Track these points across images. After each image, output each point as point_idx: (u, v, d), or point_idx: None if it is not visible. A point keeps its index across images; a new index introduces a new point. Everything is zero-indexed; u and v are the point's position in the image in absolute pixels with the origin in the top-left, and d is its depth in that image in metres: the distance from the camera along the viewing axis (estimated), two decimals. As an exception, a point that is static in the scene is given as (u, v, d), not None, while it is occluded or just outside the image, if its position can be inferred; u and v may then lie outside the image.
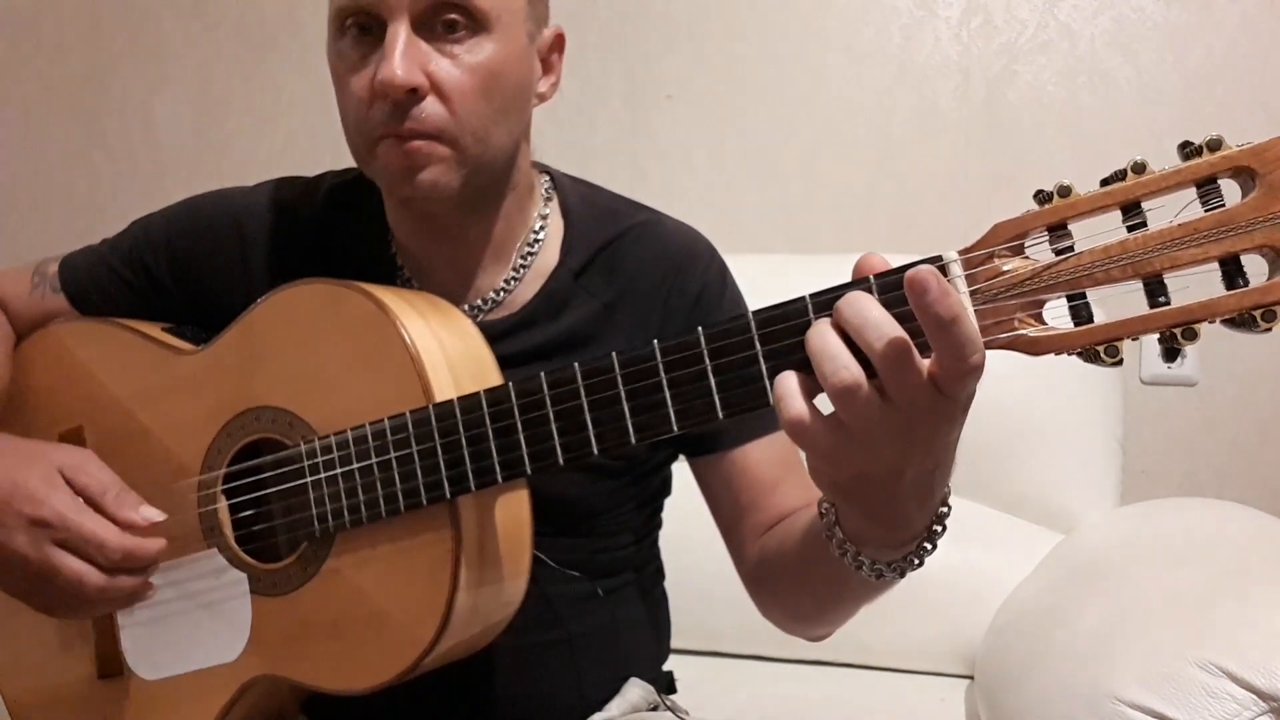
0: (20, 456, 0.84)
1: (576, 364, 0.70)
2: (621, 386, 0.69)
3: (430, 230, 0.91)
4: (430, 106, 0.81)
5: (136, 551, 0.83)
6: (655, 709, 1.02)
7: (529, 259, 0.93)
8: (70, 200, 2.17)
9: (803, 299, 0.62)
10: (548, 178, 0.98)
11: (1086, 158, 1.69)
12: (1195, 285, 0.55)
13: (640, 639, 1.04)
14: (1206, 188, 0.55)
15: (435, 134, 0.81)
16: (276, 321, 0.85)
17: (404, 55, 0.79)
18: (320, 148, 2.04)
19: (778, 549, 0.86)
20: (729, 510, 0.94)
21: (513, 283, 0.92)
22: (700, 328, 0.66)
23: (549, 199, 0.96)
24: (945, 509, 0.68)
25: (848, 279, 0.62)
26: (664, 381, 0.67)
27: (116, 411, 0.91)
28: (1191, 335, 0.55)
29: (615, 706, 0.98)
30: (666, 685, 1.07)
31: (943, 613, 1.37)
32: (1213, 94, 1.65)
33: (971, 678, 1.35)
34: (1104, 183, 0.57)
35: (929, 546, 0.69)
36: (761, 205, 1.82)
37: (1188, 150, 0.55)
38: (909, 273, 0.55)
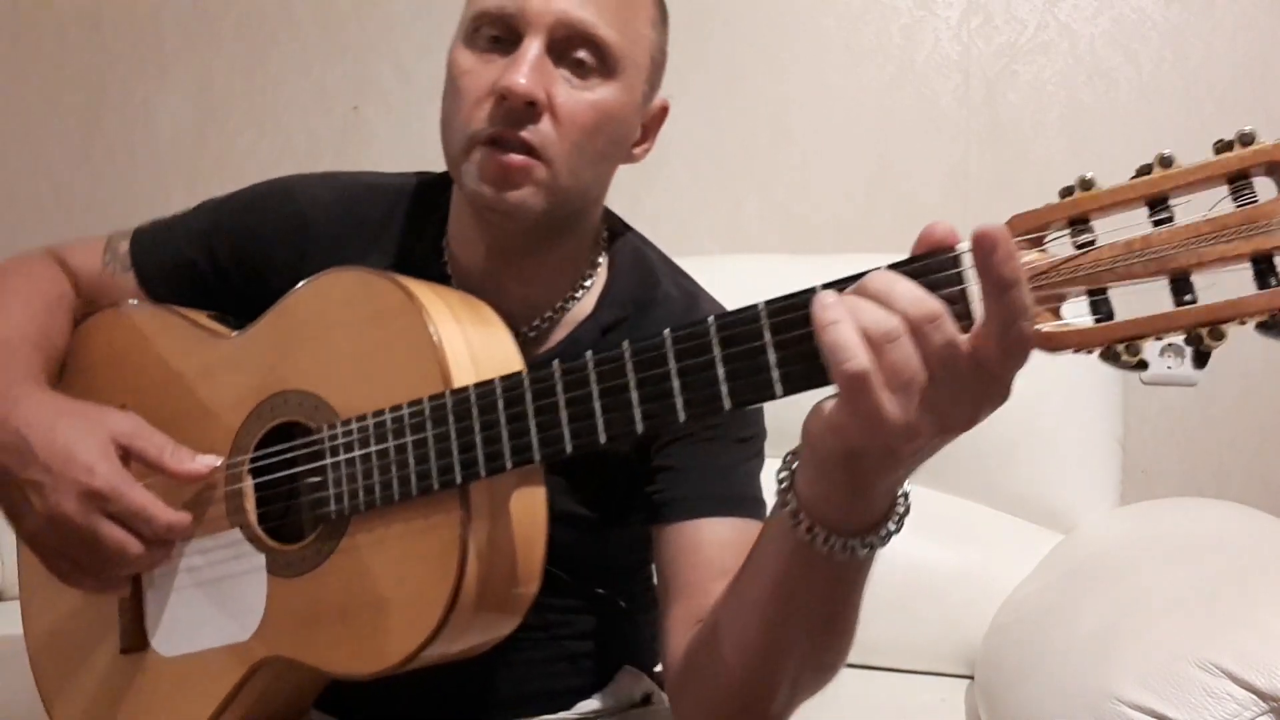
0: (76, 421, 0.84)
1: (590, 352, 0.71)
2: (631, 374, 0.69)
3: (490, 253, 0.90)
4: (543, 125, 0.81)
5: (176, 525, 0.84)
6: (649, 698, 1.02)
7: (570, 303, 0.93)
8: (70, 200, 2.18)
9: (814, 289, 0.61)
10: (607, 230, 0.97)
11: (1086, 158, 1.69)
12: (1224, 284, 0.53)
13: (637, 636, 1.04)
14: (1239, 183, 0.52)
15: (538, 151, 0.81)
16: (310, 307, 0.86)
17: (533, 68, 0.80)
18: (320, 148, 2.04)
19: (716, 621, 0.77)
20: (668, 587, 0.86)
21: (547, 322, 0.92)
22: (712, 316, 0.65)
23: (603, 251, 0.96)
24: (903, 507, 0.66)
25: (848, 278, 0.61)
26: (673, 370, 0.67)
27: (156, 393, 0.92)
28: (1219, 335, 0.53)
29: (608, 695, 0.98)
30: (659, 685, 1.07)
31: (943, 613, 1.37)
32: (1213, 94, 1.65)
33: (971, 678, 1.35)
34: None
35: (892, 528, 0.66)
36: (761, 205, 1.82)
37: (1220, 144, 0.53)
38: (977, 228, 0.54)
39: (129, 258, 1.00)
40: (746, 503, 0.88)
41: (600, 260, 0.95)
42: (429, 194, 0.96)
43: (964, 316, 0.57)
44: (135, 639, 0.91)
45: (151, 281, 1.00)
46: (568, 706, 0.97)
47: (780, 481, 0.67)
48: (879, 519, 0.65)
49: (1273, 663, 0.83)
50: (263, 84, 2.07)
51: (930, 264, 0.58)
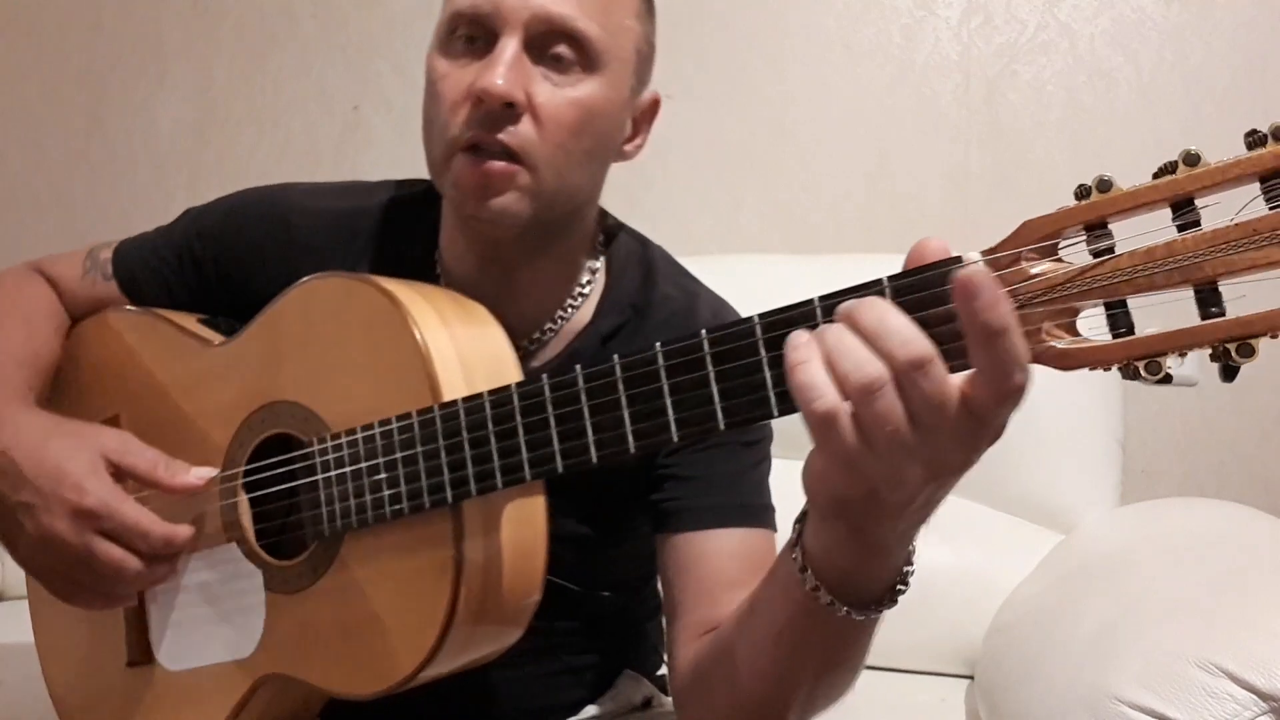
0: (66, 440, 0.83)
1: (579, 366, 0.68)
2: (622, 391, 0.65)
3: (481, 263, 0.88)
4: (523, 126, 0.79)
5: (174, 538, 0.82)
6: (649, 702, 1.02)
7: (569, 311, 0.90)
8: (70, 200, 2.17)
9: (811, 302, 0.58)
10: (603, 232, 0.94)
11: (1086, 158, 1.69)
12: (1257, 294, 0.49)
13: (640, 642, 1.04)
14: (1271, 182, 0.47)
15: (520, 154, 0.79)
16: (296, 315, 0.84)
17: (509, 68, 0.77)
18: (320, 148, 2.04)
19: (730, 640, 0.77)
20: (675, 597, 0.86)
21: (549, 333, 0.89)
22: (704, 329, 0.62)
23: (600, 254, 0.93)
24: (910, 567, 0.65)
25: (849, 280, 0.59)
26: (665, 387, 0.63)
27: (149, 401, 0.91)
28: (1248, 351, 0.48)
29: (608, 700, 0.98)
30: (660, 690, 1.07)
31: (943, 613, 1.37)
32: (1213, 94, 1.65)
33: (971, 678, 1.35)
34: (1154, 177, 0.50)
35: (887, 603, 0.65)
36: (761, 205, 1.82)
37: (1252, 139, 0.48)
38: (959, 274, 0.50)
39: (109, 265, 0.99)
40: (755, 511, 0.88)
41: (597, 265, 0.92)
42: (421, 205, 0.93)
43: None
44: (141, 653, 0.90)
45: (133, 287, 0.99)
46: (571, 714, 0.96)
47: (792, 531, 0.66)
48: (885, 588, 0.64)
49: (1273, 663, 0.82)
50: (263, 84, 2.07)
51: (930, 277, 0.54)
